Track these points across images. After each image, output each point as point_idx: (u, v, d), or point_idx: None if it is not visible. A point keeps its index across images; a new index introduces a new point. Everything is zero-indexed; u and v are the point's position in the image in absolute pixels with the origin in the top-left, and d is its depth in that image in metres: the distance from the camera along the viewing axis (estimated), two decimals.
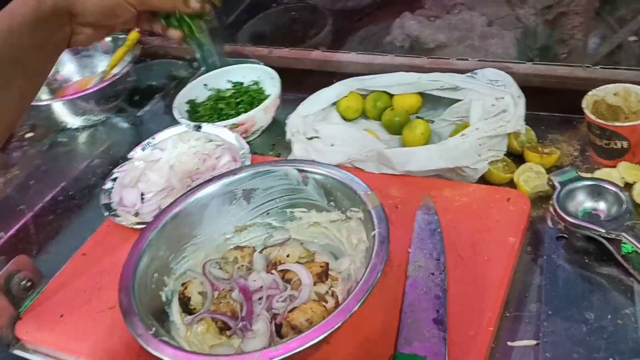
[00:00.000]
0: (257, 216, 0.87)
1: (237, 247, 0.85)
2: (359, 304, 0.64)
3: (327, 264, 0.80)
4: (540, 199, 0.88)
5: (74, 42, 0.72)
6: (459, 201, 0.88)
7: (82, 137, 1.27)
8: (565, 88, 0.99)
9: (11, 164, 1.26)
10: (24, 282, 0.91)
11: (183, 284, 0.80)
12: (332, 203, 0.82)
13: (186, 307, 0.78)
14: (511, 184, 0.91)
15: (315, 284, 0.77)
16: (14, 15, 0.66)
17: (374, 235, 0.71)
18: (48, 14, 0.66)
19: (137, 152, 1.09)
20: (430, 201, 0.88)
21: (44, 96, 1.35)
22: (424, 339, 0.71)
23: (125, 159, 1.09)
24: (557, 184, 0.83)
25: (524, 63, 1.03)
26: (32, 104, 1.26)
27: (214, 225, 0.85)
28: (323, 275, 0.79)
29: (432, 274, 0.78)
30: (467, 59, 1.08)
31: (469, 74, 1.02)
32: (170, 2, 0.74)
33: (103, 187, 1.03)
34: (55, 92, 1.37)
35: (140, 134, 1.21)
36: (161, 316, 0.77)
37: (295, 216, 0.86)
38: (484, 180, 0.92)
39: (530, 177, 0.89)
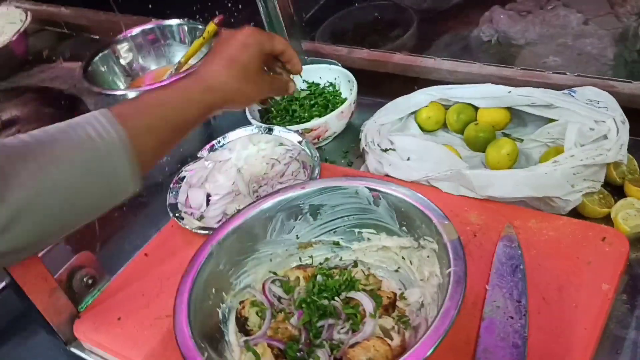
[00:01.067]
0: (323, 234, 0.82)
1: (300, 266, 0.81)
2: (430, 352, 0.58)
3: (396, 294, 0.74)
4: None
5: None
6: (546, 235, 0.80)
7: None
8: None
9: None
10: (86, 278, 0.90)
11: (241, 303, 0.76)
12: (404, 228, 0.76)
13: (243, 327, 0.74)
14: (607, 219, 0.82)
15: (380, 316, 0.72)
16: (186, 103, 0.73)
17: (449, 274, 0.64)
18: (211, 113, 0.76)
19: (206, 152, 1.06)
20: (513, 232, 0.80)
21: (120, 85, 1.34)
22: None
23: (194, 157, 1.06)
24: None
25: (631, 82, 0.93)
26: (108, 92, 1.28)
27: (277, 240, 0.81)
28: (390, 307, 0.73)
29: (512, 317, 0.71)
30: (565, 73, 0.98)
31: (566, 91, 0.93)
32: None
33: (170, 186, 1.01)
34: (131, 81, 1.36)
35: (210, 132, 1.18)
36: (216, 334, 0.73)
37: (363, 237, 0.81)
38: (575, 213, 0.83)
39: (631, 214, 0.80)
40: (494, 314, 0.72)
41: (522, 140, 0.96)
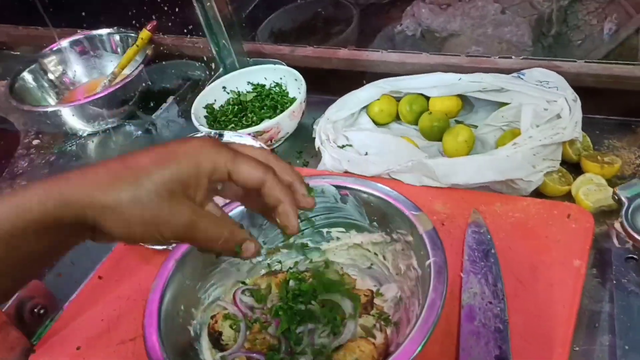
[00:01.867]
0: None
1: (270, 273, 0.78)
2: (420, 347, 0.57)
3: (372, 292, 0.73)
4: (603, 214, 0.80)
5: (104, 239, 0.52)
6: (512, 217, 0.80)
7: (92, 144, 1.19)
8: (622, 89, 0.91)
9: (17, 173, 1.19)
10: (36, 309, 0.84)
11: (212, 317, 0.72)
12: (375, 223, 0.74)
13: (217, 342, 0.71)
14: (568, 196, 0.83)
15: (360, 315, 0.70)
16: (21, 214, 0.47)
17: (429, 265, 0.63)
18: (64, 224, 0.48)
19: None
20: (480, 217, 0.80)
21: (50, 101, 1.27)
22: None
23: None
24: (624, 199, 0.74)
25: (575, 61, 0.95)
26: (38, 110, 1.20)
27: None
28: (368, 305, 0.71)
29: (490, 302, 0.71)
30: (511, 57, 0.99)
31: (515, 74, 0.94)
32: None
33: None
34: (62, 96, 1.29)
35: (154, 142, 1.13)
36: (190, 353, 0.69)
37: (332, 236, 0.78)
38: (537, 193, 0.84)
39: (591, 189, 0.81)
40: (472, 300, 0.71)
41: (476, 126, 0.96)
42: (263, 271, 0.79)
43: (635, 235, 0.71)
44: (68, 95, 1.29)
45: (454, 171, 0.83)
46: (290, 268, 0.78)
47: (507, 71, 0.95)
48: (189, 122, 1.10)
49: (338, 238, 0.78)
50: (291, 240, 0.78)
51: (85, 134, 1.20)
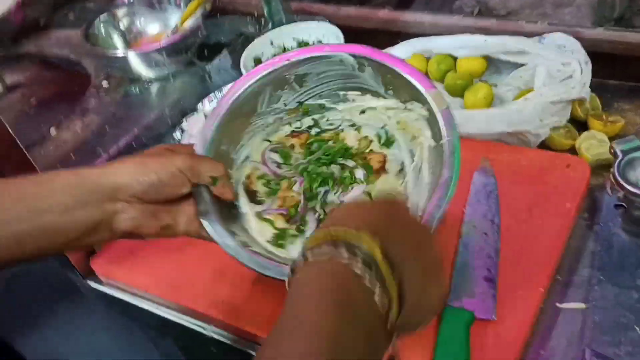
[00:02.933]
0: (309, 98, 0.84)
1: (293, 133, 0.85)
2: (440, 212, 0.65)
3: (385, 157, 0.78)
4: (601, 167, 0.87)
5: (118, 226, 0.66)
6: (518, 165, 0.88)
7: (154, 88, 1.33)
8: (636, 55, 0.97)
9: (88, 109, 1.34)
10: None
11: (247, 177, 0.81)
12: (390, 91, 0.78)
13: (254, 198, 0.79)
14: (572, 150, 0.91)
15: (369, 179, 0.77)
16: (47, 182, 0.63)
17: (442, 144, 0.68)
18: (89, 189, 0.63)
19: (205, 104, 1.13)
20: (488, 164, 0.89)
21: (119, 48, 1.41)
22: (474, 295, 0.73)
23: (194, 110, 1.14)
24: (618, 152, 0.82)
25: (594, 28, 1.01)
26: (109, 54, 1.34)
27: (267, 111, 0.84)
28: (382, 170, 0.77)
29: (486, 234, 0.80)
30: (536, 22, 1.06)
31: (536, 38, 1.01)
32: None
33: (173, 135, 1.08)
34: (130, 44, 1.43)
35: (208, 87, 1.25)
36: (232, 210, 0.77)
37: (348, 98, 0.83)
38: (544, 146, 0.92)
39: (593, 144, 0.89)
40: (470, 232, 0.81)
41: (496, 85, 1.04)
42: (286, 129, 0.85)
43: (625, 185, 0.79)
44: (135, 43, 1.42)
45: (468, 121, 0.92)
46: (309, 127, 0.85)
47: (530, 34, 1.02)
48: (239, 72, 1.22)
49: (354, 100, 0.83)
50: (309, 101, 0.85)
51: (148, 79, 1.33)
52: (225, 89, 1.13)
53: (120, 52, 1.35)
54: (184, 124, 1.11)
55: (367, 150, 0.80)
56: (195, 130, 1.10)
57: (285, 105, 0.84)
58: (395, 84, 0.76)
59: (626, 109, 0.95)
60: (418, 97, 0.73)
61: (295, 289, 0.49)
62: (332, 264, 0.48)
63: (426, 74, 1.08)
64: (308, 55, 0.80)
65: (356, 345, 0.44)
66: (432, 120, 0.70)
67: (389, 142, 0.80)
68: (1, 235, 0.58)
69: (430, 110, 0.70)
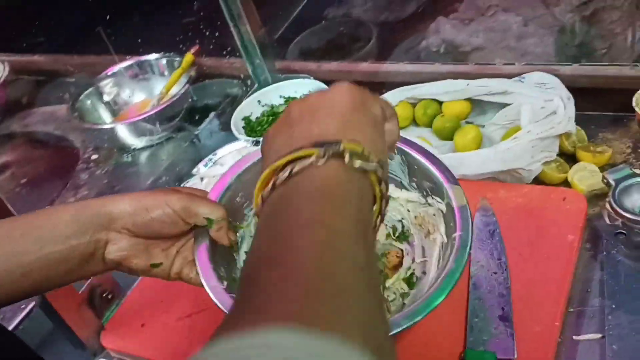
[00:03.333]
0: None
1: None
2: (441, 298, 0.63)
3: (402, 252, 0.80)
4: (596, 197, 0.90)
5: (108, 256, 0.66)
6: (515, 202, 0.91)
7: (145, 156, 1.34)
8: (614, 87, 1.01)
9: (80, 184, 1.34)
10: (105, 294, 0.98)
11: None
12: (414, 184, 0.78)
13: None
14: (565, 183, 0.94)
15: (387, 276, 0.78)
16: (53, 214, 0.64)
17: (454, 238, 0.68)
18: (87, 219, 0.64)
19: (200, 169, 1.15)
20: (487, 203, 0.91)
21: (106, 119, 1.43)
22: (491, 335, 0.74)
23: (189, 175, 1.15)
24: (612, 181, 0.85)
25: (570, 65, 1.06)
26: (97, 127, 1.36)
27: None
28: (398, 265, 0.79)
29: (495, 273, 0.82)
30: (513, 64, 1.11)
31: (516, 78, 1.05)
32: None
33: None
34: (116, 115, 1.44)
35: (199, 151, 1.27)
36: (231, 262, 0.74)
37: None
38: (538, 181, 0.95)
39: (585, 176, 0.92)
40: (479, 272, 0.82)
41: (483, 126, 1.07)
42: None
43: (622, 212, 0.82)
44: (122, 114, 1.44)
45: (462, 163, 0.94)
46: None
47: (510, 76, 1.06)
48: (228, 133, 1.24)
49: None
50: None
51: (138, 148, 1.35)
52: (220, 151, 1.15)
53: (108, 124, 1.37)
54: None
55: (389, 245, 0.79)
56: None
57: None
58: (418, 176, 0.75)
59: (611, 138, 0.99)
60: (439, 191, 0.73)
61: (272, 207, 0.49)
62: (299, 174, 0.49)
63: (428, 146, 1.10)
64: None
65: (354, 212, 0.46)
66: (448, 215, 0.70)
67: (404, 237, 0.81)
68: (10, 267, 0.61)
69: (449, 205, 0.70)
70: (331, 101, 0.54)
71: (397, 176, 0.79)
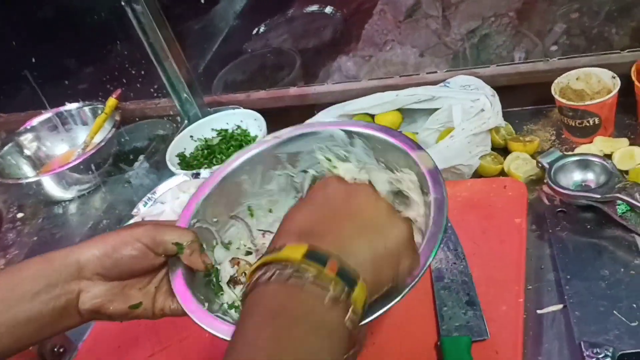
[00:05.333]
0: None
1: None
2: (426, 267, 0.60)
3: None
4: (532, 182, 0.95)
5: (83, 307, 0.63)
6: (461, 196, 0.94)
7: (76, 206, 1.29)
8: (531, 82, 1.08)
9: (8, 245, 1.26)
10: (55, 348, 0.92)
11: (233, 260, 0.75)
12: (382, 164, 0.75)
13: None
14: (503, 174, 0.99)
15: None
16: (17, 272, 0.62)
17: (429, 202, 0.65)
18: (55, 272, 0.61)
19: (140, 209, 1.11)
20: None
21: (29, 174, 1.36)
22: (463, 321, 0.76)
23: (129, 217, 1.11)
24: (546, 165, 0.90)
25: (488, 66, 1.13)
26: (20, 182, 1.29)
27: (259, 192, 0.78)
28: None
29: (454, 263, 0.84)
30: (436, 72, 1.17)
31: (441, 84, 1.11)
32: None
33: None
34: (39, 169, 1.38)
35: (136, 193, 1.23)
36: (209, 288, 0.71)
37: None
38: (477, 175, 1.00)
39: (519, 164, 0.97)
40: (439, 264, 0.84)
41: (417, 132, 1.12)
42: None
43: (561, 190, 0.87)
44: (45, 167, 1.38)
45: None
46: None
47: (434, 83, 1.12)
48: (162, 172, 1.22)
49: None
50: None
51: (68, 199, 1.29)
52: (159, 188, 1.13)
53: (32, 178, 1.30)
54: None
55: None
56: None
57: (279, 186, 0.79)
58: (384, 154, 0.74)
59: (535, 129, 1.06)
60: (407, 161, 0.71)
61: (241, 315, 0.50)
62: (264, 284, 0.48)
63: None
64: (298, 133, 0.77)
65: (304, 343, 0.45)
66: (422, 182, 0.69)
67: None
68: None
69: (418, 173, 0.69)
70: (356, 209, 0.54)
71: (365, 161, 0.76)
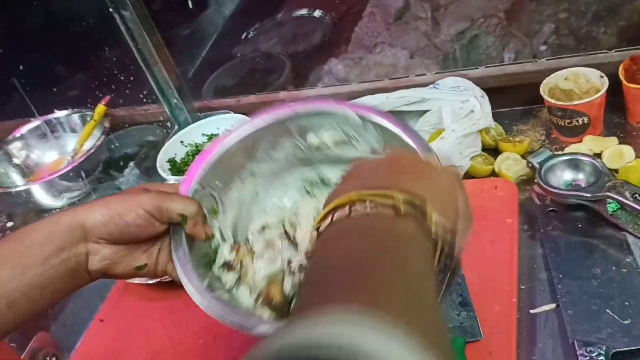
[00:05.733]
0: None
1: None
2: None
3: None
4: (523, 183, 0.96)
5: (92, 268, 0.63)
6: None
7: None
8: (520, 83, 1.09)
9: None
10: (48, 357, 0.91)
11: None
12: (389, 152, 0.71)
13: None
14: (494, 174, 0.99)
15: None
16: (25, 237, 0.61)
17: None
18: (62, 235, 0.61)
19: None
20: None
21: (19, 183, 1.35)
22: (456, 322, 0.76)
23: None
24: (536, 164, 0.91)
25: (477, 68, 1.13)
26: (8, 190, 1.28)
27: (264, 157, 0.76)
28: None
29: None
30: (425, 74, 1.17)
31: (431, 85, 1.11)
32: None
33: None
34: (29, 177, 1.37)
35: None
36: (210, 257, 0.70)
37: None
38: (468, 176, 1.00)
39: (510, 164, 0.97)
40: None
41: None
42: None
43: (551, 190, 0.87)
44: (34, 175, 1.37)
45: None
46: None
47: (424, 85, 1.12)
48: (153, 178, 1.21)
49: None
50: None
51: (58, 207, 1.28)
52: None
53: (21, 186, 1.29)
54: None
55: None
56: None
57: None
58: (394, 145, 0.71)
59: (525, 129, 1.06)
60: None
61: (326, 244, 0.50)
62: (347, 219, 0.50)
63: None
64: (315, 110, 0.73)
65: (411, 267, 0.46)
66: None
67: None
68: None
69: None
70: (405, 164, 0.57)
71: (373, 148, 0.74)
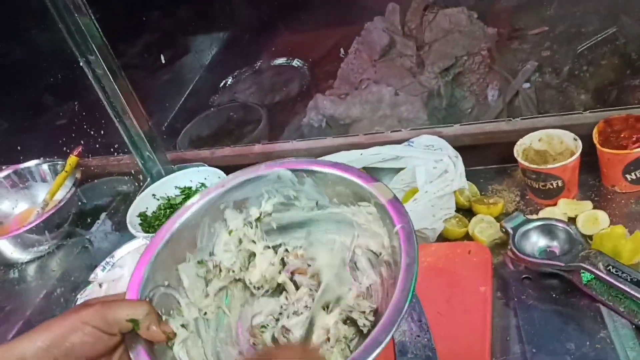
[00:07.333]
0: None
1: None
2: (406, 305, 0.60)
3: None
4: (497, 246, 0.94)
5: None
6: (425, 262, 0.92)
7: (34, 269, 1.24)
8: (494, 142, 1.08)
9: None
10: None
11: None
12: (335, 200, 0.71)
13: None
14: (467, 237, 0.97)
15: None
16: None
17: (396, 232, 0.61)
18: None
19: (97, 274, 1.07)
20: None
21: None
22: None
23: (86, 282, 1.07)
24: (509, 230, 0.89)
25: (452, 126, 1.12)
26: None
27: (207, 246, 0.73)
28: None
29: (418, 336, 0.81)
30: (400, 130, 1.16)
31: (405, 143, 1.09)
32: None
33: None
34: None
35: (94, 256, 1.19)
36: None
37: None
38: (442, 238, 0.98)
39: (484, 227, 0.95)
40: (402, 337, 0.81)
41: None
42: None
43: (525, 257, 0.85)
44: (3, 227, 1.34)
45: None
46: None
47: (399, 141, 1.10)
48: (123, 233, 1.18)
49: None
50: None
51: (25, 261, 1.25)
52: (118, 252, 1.09)
53: None
54: (80, 299, 1.04)
55: None
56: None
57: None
58: (336, 190, 0.70)
59: (500, 189, 1.05)
60: (363, 195, 0.67)
61: None
62: None
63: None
64: (243, 179, 0.72)
65: None
66: (381, 214, 0.65)
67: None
68: None
69: (377, 204, 0.65)
70: None
71: (314, 199, 0.72)
